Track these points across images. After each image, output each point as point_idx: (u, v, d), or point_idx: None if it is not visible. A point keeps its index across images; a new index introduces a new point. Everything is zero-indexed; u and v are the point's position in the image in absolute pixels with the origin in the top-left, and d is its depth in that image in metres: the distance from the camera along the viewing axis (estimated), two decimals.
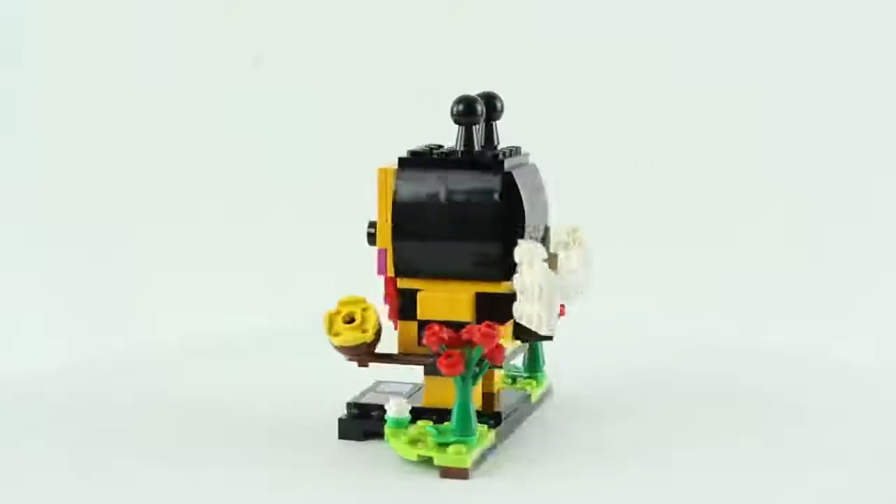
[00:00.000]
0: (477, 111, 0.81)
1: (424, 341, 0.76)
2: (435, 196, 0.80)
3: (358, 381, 0.85)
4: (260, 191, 1.48)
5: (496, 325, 0.76)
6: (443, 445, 0.76)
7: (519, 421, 0.85)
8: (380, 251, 0.81)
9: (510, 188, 0.80)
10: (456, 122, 0.81)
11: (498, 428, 0.80)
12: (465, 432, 0.76)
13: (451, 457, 0.75)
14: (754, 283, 1.41)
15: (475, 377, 0.76)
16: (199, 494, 0.74)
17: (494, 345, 0.75)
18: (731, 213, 1.46)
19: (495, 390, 0.85)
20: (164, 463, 0.78)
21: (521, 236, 0.80)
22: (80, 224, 1.42)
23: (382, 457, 0.78)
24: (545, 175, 0.85)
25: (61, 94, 1.45)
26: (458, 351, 0.75)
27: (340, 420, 0.82)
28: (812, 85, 1.49)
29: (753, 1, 1.51)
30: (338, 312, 0.79)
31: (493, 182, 0.80)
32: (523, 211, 0.80)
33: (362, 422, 0.82)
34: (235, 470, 0.77)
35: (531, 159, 0.85)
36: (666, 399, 0.91)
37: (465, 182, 0.80)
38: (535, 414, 0.87)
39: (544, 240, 0.84)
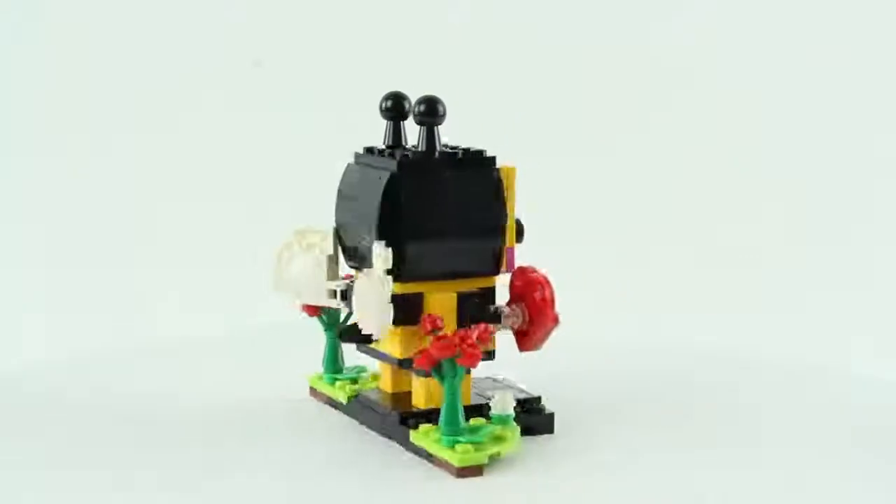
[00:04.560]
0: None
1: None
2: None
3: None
4: (258, 192, 1.47)
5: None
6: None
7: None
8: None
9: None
10: (386, 118, 0.85)
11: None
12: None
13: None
14: (739, 285, 1.41)
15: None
16: (198, 494, 0.75)
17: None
18: (715, 215, 1.45)
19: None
20: (159, 464, 0.79)
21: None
22: (79, 224, 1.46)
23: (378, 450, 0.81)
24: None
25: (61, 95, 1.48)
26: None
27: None
28: (801, 87, 1.47)
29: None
30: None
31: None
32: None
33: None
34: (235, 468, 0.79)
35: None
36: (653, 403, 0.90)
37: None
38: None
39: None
